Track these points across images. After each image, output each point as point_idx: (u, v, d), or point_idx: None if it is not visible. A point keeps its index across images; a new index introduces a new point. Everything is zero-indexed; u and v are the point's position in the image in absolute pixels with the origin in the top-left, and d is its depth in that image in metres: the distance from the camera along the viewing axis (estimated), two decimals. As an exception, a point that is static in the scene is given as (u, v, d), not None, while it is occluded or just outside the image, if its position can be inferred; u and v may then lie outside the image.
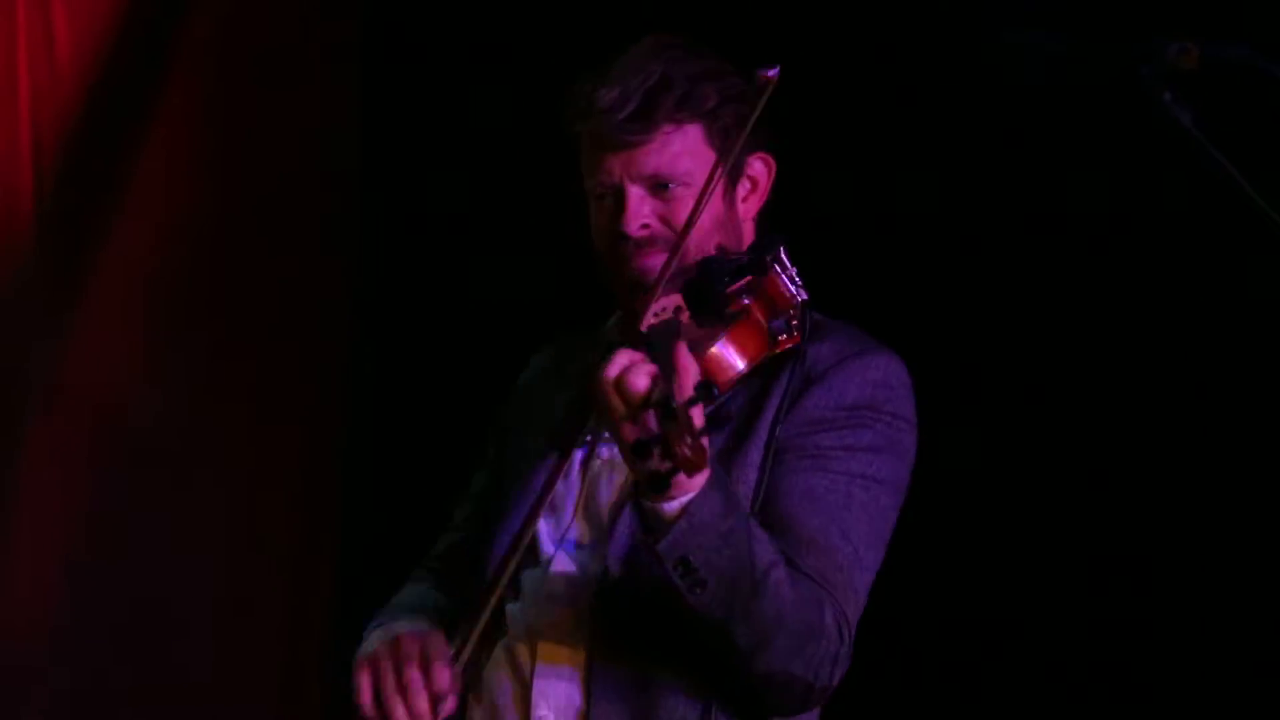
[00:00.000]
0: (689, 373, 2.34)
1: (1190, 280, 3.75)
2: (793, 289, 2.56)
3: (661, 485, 2.28)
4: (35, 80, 4.49)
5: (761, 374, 2.54)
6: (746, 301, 2.51)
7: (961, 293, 3.97)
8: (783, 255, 2.58)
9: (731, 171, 2.62)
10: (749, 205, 2.69)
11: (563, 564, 2.58)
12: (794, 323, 2.55)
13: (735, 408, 2.56)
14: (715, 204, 2.61)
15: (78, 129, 4.54)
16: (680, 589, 2.35)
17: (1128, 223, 3.79)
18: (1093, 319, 3.88)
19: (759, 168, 2.68)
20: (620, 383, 2.29)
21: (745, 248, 2.65)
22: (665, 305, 2.53)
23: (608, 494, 2.59)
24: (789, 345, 2.55)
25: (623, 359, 2.31)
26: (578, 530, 2.60)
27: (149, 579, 4.63)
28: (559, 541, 2.59)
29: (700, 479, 2.32)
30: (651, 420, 2.22)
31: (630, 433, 2.27)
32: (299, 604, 4.76)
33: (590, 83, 2.60)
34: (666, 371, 2.30)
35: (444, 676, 2.46)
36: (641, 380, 2.27)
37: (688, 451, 2.19)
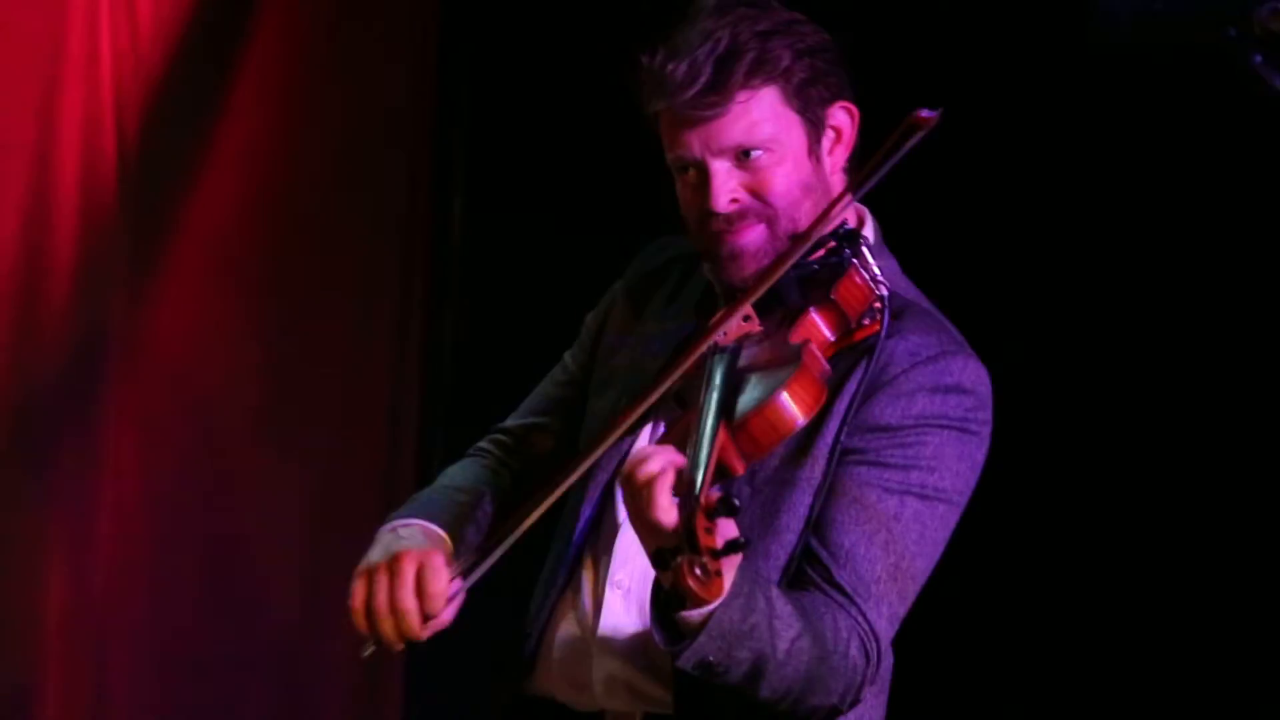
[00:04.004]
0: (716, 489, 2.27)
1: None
2: (871, 285, 2.53)
3: (675, 599, 2.27)
4: (117, 44, 4.50)
5: (835, 364, 2.50)
6: (816, 317, 2.49)
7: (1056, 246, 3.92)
8: (862, 249, 2.54)
9: (814, 126, 2.59)
10: (835, 157, 2.64)
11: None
12: (876, 309, 2.52)
13: None
14: (802, 165, 2.59)
15: (159, 92, 4.56)
16: (699, 678, 2.35)
17: (1216, 187, 3.74)
18: (1185, 271, 3.83)
19: (841, 117, 2.62)
20: (647, 497, 2.27)
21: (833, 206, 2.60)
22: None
23: None
24: (867, 334, 2.52)
25: (656, 464, 2.28)
26: None
27: (230, 536, 4.66)
28: None
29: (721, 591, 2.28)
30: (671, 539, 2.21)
31: (649, 541, 2.29)
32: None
33: (658, 56, 2.55)
34: (694, 473, 2.23)
35: (438, 601, 2.48)
36: (669, 515, 2.24)
37: (694, 585, 2.17)
